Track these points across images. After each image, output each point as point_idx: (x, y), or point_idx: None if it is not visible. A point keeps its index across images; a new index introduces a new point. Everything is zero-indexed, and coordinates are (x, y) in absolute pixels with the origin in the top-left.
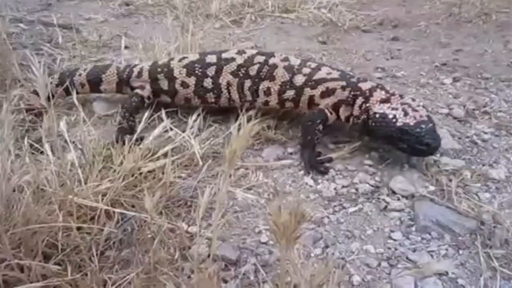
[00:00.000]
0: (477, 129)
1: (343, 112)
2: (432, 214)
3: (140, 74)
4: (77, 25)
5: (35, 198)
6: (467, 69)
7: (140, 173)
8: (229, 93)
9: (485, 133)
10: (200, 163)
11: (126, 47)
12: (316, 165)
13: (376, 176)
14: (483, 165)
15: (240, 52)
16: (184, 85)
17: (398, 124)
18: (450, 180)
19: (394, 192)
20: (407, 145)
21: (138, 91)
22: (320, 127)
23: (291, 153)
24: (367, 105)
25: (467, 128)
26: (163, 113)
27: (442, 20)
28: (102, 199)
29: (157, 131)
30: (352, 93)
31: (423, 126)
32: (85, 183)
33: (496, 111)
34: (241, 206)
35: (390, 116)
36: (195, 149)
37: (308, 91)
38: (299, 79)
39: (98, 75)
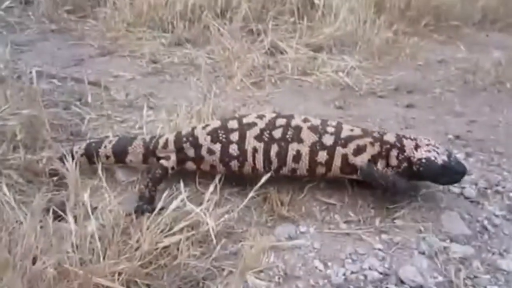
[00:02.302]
0: (489, 212)
1: (380, 165)
2: None
3: (166, 145)
4: (106, 82)
5: (55, 277)
6: (480, 142)
7: (156, 249)
8: (254, 160)
9: (497, 216)
10: (214, 241)
11: (150, 108)
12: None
13: (385, 262)
14: (493, 253)
15: (260, 116)
16: (210, 152)
17: (440, 162)
18: (459, 270)
19: (402, 282)
20: (448, 177)
21: (163, 162)
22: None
23: (303, 232)
24: (405, 154)
25: (478, 210)
26: (181, 185)
27: (456, 87)
28: (119, 278)
29: (174, 204)
30: (384, 146)
31: (452, 158)
32: (104, 259)
33: (508, 191)
34: None
35: (432, 158)
36: (210, 227)
37: (340, 150)
38: (328, 139)
39: (124, 147)
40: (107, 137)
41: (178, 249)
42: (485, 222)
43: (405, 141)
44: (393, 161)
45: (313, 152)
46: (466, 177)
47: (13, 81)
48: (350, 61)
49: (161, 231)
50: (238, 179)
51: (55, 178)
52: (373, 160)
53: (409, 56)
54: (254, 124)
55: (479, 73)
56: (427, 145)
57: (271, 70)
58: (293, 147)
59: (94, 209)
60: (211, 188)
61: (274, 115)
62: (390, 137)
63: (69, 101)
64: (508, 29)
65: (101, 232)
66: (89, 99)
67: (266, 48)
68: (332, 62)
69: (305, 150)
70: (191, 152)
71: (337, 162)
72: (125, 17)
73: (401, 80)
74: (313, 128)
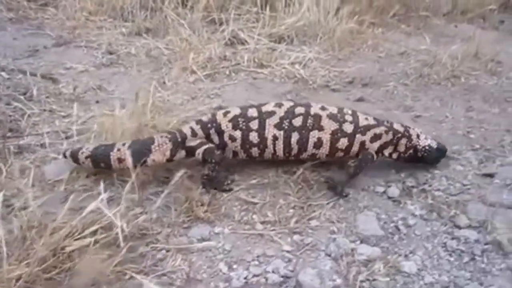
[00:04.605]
0: (408, 211)
1: (387, 151)
2: None
3: (194, 133)
4: (57, 74)
5: None
6: None
7: (64, 253)
8: (275, 147)
9: (415, 216)
10: (122, 244)
11: (97, 102)
12: None
13: (290, 264)
14: (399, 255)
15: (279, 105)
16: (232, 138)
17: (435, 146)
18: (359, 273)
19: (300, 285)
20: (439, 158)
21: (207, 146)
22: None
23: (217, 233)
24: (412, 142)
25: (398, 210)
26: (101, 186)
27: (412, 80)
28: (16, 284)
29: (91, 206)
30: (396, 135)
31: (438, 142)
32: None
33: (434, 189)
34: None
35: (432, 145)
36: (119, 229)
37: (359, 138)
38: (349, 127)
39: (145, 147)
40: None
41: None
42: (400, 223)
43: (411, 131)
44: (402, 148)
45: (333, 139)
46: (394, 176)
47: None
48: (309, 52)
49: (73, 234)
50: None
51: None
52: (384, 146)
53: (371, 47)
54: (274, 112)
55: (436, 66)
56: (421, 133)
57: (227, 62)
58: (313, 135)
59: (12, 209)
60: (127, 187)
61: (292, 103)
62: (398, 126)
63: (12, 95)
64: (477, 19)
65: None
66: (35, 93)
67: (227, 39)
68: (290, 53)
69: (326, 137)
70: (216, 139)
71: (355, 148)
72: (85, 5)
73: (358, 72)
74: (332, 116)
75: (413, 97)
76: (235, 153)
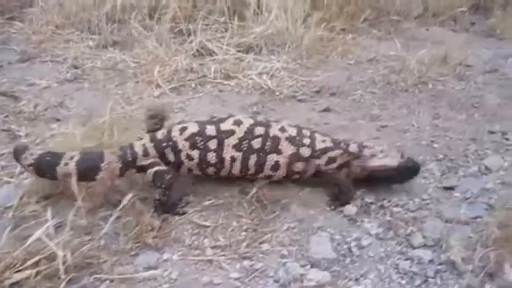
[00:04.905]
0: (363, 230)
1: (343, 172)
2: None
3: (146, 152)
4: (18, 92)
5: None
6: None
7: (3, 287)
8: (232, 167)
9: (370, 235)
10: (62, 276)
11: (57, 120)
12: None
13: None
14: (350, 279)
15: (238, 123)
16: (189, 157)
17: (394, 165)
18: None
19: None
20: (404, 177)
21: (158, 168)
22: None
23: (165, 260)
24: (364, 164)
25: (353, 229)
26: (48, 213)
27: (379, 88)
28: None
29: (34, 236)
30: (350, 157)
31: (404, 159)
32: None
33: (393, 205)
34: None
35: (391, 164)
36: (59, 259)
37: (315, 161)
38: (306, 151)
39: (93, 163)
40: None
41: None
42: (353, 244)
43: (365, 151)
44: (356, 170)
45: (290, 163)
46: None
47: None
48: (277, 62)
49: (14, 265)
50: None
51: None
52: (339, 168)
53: (341, 54)
54: (232, 132)
55: (404, 72)
56: (381, 151)
57: (194, 74)
58: (271, 158)
59: None
60: (72, 212)
61: (252, 121)
62: (353, 147)
63: None
64: (449, 22)
65: None
66: None
67: (195, 50)
68: (258, 64)
69: (283, 161)
70: (171, 157)
71: (311, 171)
72: (52, 18)
73: (326, 81)
74: (291, 139)
75: (380, 105)
76: (190, 170)
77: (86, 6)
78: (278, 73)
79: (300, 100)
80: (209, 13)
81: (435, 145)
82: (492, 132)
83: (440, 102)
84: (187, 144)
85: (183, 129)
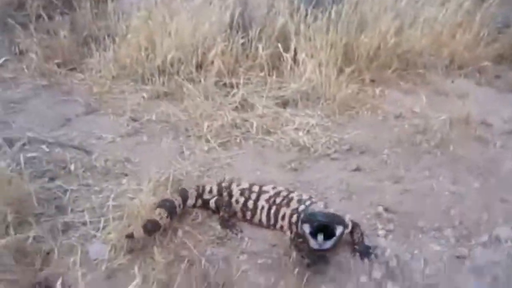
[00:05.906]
0: None
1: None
2: None
3: (210, 191)
4: (89, 145)
5: None
6: (405, 216)
7: None
8: (261, 214)
9: None
10: None
11: (125, 175)
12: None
13: None
14: None
15: (274, 188)
16: (237, 201)
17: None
18: None
19: None
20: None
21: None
22: None
23: None
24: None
25: None
26: (135, 269)
27: (404, 148)
28: None
29: None
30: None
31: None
32: None
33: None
34: None
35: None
36: None
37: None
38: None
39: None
40: None
41: None
42: None
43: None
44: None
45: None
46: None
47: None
48: (312, 118)
49: None
50: None
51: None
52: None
53: (370, 110)
54: (267, 191)
55: (428, 133)
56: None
57: (238, 129)
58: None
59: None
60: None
61: (282, 188)
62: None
63: (54, 170)
64: (474, 73)
65: None
66: (72, 167)
67: (237, 103)
68: (295, 119)
69: (287, 212)
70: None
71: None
72: (109, 69)
73: (356, 139)
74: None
75: (405, 166)
76: (235, 213)
77: (139, 59)
78: (313, 129)
79: (333, 159)
80: (250, 68)
81: (452, 212)
82: (505, 201)
83: (459, 166)
84: (238, 192)
85: (238, 184)
